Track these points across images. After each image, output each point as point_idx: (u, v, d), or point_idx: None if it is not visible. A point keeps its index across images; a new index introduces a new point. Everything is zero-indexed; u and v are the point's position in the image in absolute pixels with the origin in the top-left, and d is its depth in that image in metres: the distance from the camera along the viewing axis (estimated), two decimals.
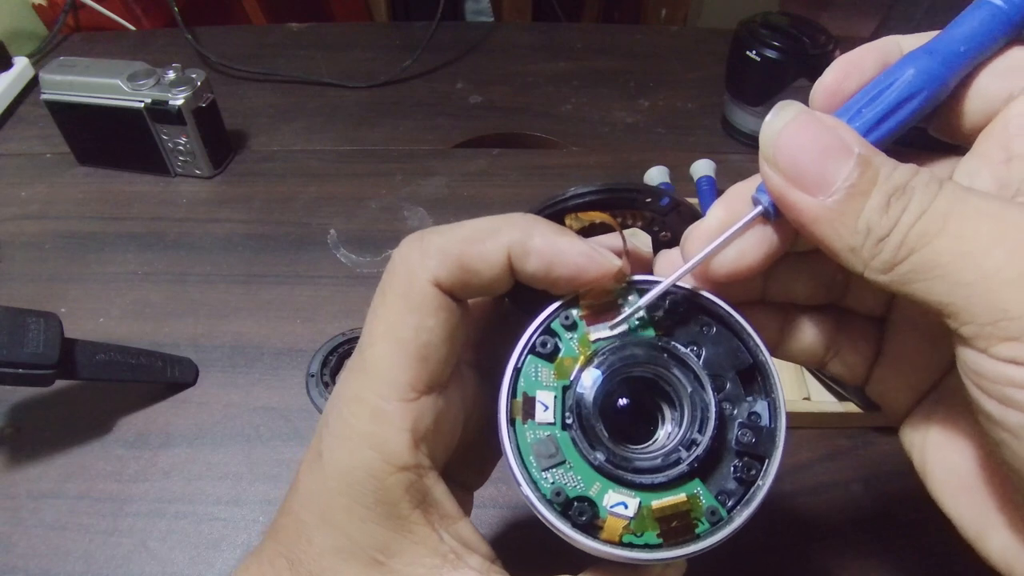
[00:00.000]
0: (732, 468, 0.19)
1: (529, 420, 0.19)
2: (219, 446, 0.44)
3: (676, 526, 0.18)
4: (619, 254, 0.20)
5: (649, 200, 0.22)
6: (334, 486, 0.19)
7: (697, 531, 0.18)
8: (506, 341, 0.21)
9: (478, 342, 0.25)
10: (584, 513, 0.18)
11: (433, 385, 0.20)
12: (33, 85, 0.73)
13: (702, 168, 0.60)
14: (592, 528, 0.18)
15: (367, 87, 0.75)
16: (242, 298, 0.53)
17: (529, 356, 0.20)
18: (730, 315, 0.20)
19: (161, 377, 0.46)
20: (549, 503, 0.18)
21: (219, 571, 0.39)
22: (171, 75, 0.58)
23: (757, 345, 0.20)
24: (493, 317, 0.25)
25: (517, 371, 0.19)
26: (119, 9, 0.87)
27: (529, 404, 0.19)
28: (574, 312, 0.20)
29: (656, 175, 0.59)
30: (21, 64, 0.73)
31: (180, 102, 0.57)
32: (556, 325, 0.20)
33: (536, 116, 0.73)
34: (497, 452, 0.26)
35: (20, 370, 0.37)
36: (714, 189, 0.59)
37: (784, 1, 1.48)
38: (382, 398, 0.19)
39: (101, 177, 0.64)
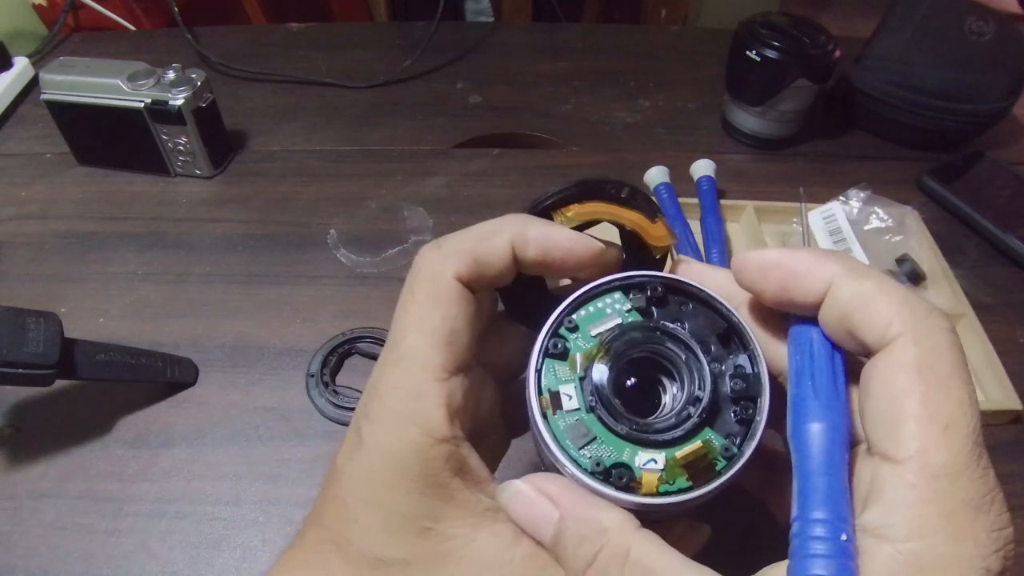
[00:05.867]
0: (732, 413, 0.22)
1: (558, 411, 0.22)
2: (219, 446, 0.44)
3: (700, 468, 0.21)
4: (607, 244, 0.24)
5: (614, 190, 0.25)
6: (378, 466, 0.21)
7: (717, 468, 0.21)
8: (496, 338, 0.26)
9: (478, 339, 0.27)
10: (623, 476, 0.21)
11: (460, 366, 0.22)
12: (33, 85, 0.73)
13: (702, 168, 0.60)
14: (631, 487, 0.21)
15: (367, 87, 0.75)
16: (242, 298, 0.53)
17: (545, 359, 0.23)
18: (701, 291, 0.23)
19: (161, 377, 0.46)
20: (592, 475, 0.21)
21: (219, 571, 0.39)
22: (171, 75, 0.58)
23: (729, 310, 0.23)
24: (487, 318, 0.28)
25: (539, 372, 0.22)
26: (119, 9, 0.87)
27: (555, 398, 0.22)
28: (574, 316, 0.23)
29: (656, 175, 0.59)
30: (21, 64, 0.73)
31: (180, 102, 0.57)
32: (562, 330, 0.23)
33: (536, 116, 0.73)
34: (507, 439, 0.30)
35: (20, 370, 0.37)
36: (714, 189, 0.59)
37: (784, 1, 1.48)
38: (419, 380, 0.21)
39: (101, 177, 0.64)
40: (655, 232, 0.25)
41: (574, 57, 0.82)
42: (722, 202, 0.58)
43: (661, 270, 0.25)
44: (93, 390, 0.46)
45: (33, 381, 0.39)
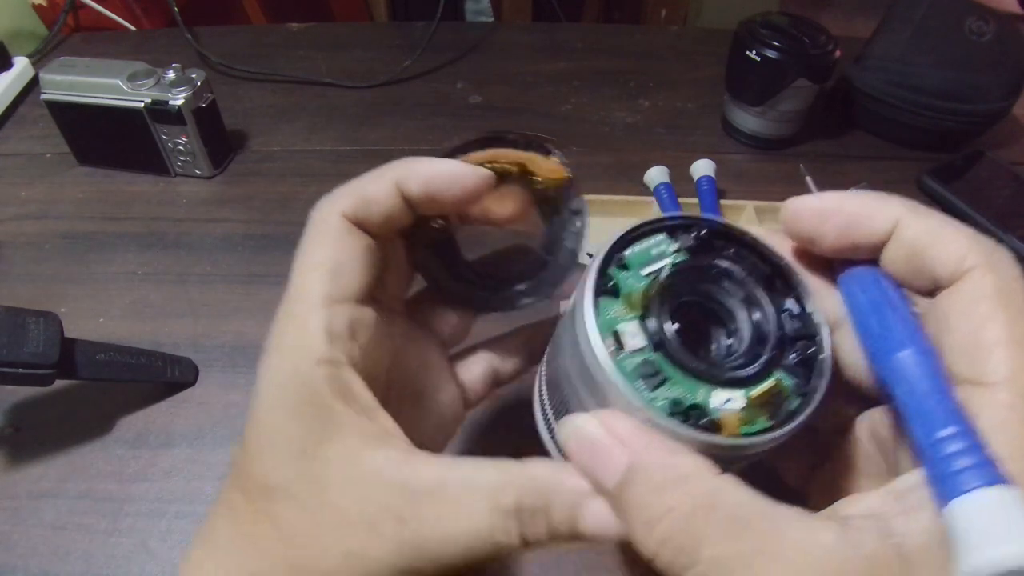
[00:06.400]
0: (794, 353, 0.21)
1: (622, 352, 0.20)
2: (219, 446, 0.44)
3: (776, 407, 0.20)
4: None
5: (513, 138, 0.26)
6: (264, 395, 0.22)
7: (792, 407, 0.20)
8: (439, 304, 0.28)
9: (414, 299, 0.29)
10: (701, 418, 0.19)
11: (345, 295, 0.23)
12: (33, 85, 0.73)
13: (702, 168, 0.60)
14: (712, 429, 0.19)
15: (367, 87, 0.75)
16: (242, 298, 0.53)
17: (600, 298, 0.21)
18: (745, 233, 0.23)
19: (161, 377, 0.46)
20: (671, 416, 0.19)
21: None
22: (171, 75, 0.58)
23: (772, 252, 0.22)
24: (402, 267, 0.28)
25: (596, 310, 0.21)
26: (119, 9, 0.87)
27: (616, 338, 0.20)
28: (625, 253, 0.22)
29: (656, 175, 0.59)
30: (21, 64, 0.73)
31: (180, 102, 0.57)
32: (611, 270, 0.22)
33: (536, 116, 0.73)
34: (460, 410, 0.29)
35: (20, 370, 0.37)
36: (714, 189, 0.59)
37: (784, 1, 1.48)
38: (300, 307, 0.23)
39: (101, 177, 0.64)
40: (547, 165, 0.25)
41: (574, 57, 0.82)
42: (722, 202, 0.58)
43: (565, 217, 0.25)
44: (93, 390, 0.46)
45: (33, 381, 0.38)
